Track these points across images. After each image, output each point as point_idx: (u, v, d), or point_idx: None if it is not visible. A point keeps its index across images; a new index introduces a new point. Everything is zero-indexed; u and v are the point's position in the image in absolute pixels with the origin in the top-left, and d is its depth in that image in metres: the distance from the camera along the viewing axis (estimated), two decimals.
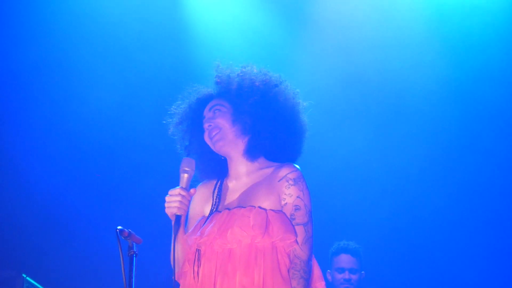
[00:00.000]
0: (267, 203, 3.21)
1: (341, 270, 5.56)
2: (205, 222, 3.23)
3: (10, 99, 6.29)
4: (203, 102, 3.47)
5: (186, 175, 3.20)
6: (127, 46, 6.47)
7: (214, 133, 3.32)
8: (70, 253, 6.31)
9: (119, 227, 2.99)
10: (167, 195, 3.15)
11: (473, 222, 6.81)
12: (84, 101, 6.42)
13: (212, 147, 3.37)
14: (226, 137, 3.31)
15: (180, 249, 3.27)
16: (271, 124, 3.31)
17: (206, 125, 3.36)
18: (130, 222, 5.94)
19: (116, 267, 3.08)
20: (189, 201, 3.21)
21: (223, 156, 3.41)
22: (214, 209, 3.22)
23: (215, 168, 3.42)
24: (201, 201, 3.39)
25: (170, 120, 3.52)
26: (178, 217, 3.14)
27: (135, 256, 2.99)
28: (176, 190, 3.15)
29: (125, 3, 6.46)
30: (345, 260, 5.57)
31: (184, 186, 3.18)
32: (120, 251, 2.92)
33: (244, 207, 3.20)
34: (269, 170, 3.31)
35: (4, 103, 6.28)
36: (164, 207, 3.24)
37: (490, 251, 6.74)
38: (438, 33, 6.68)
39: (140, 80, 6.54)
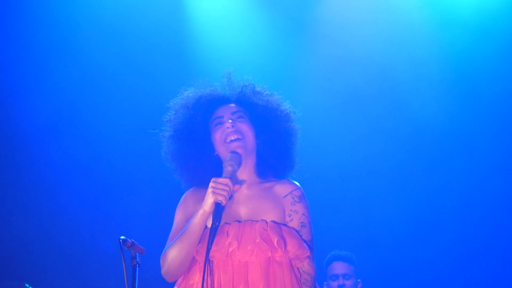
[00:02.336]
0: (273, 217, 3.26)
1: (335, 277, 5.55)
2: (212, 233, 3.11)
3: (8, 100, 6.29)
4: (219, 100, 3.47)
5: (230, 168, 3.19)
6: (129, 47, 6.50)
7: (236, 136, 3.32)
8: (72, 262, 6.30)
9: (122, 237, 2.99)
10: (213, 182, 3.11)
11: (474, 224, 6.82)
12: (85, 101, 6.45)
13: (223, 147, 3.33)
14: (246, 145, 3.32)
15: (193, 245, 3.18)
16: (286, 149, 3.41)
17: (228, 125, 3.33)
18: (133, 229, 6.15)
19: (118, 277, 3.05)
20: (232, 195, 3.19)
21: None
22: (214, 229, 3.10)
23: (207, 172, 3.37)
24: (195, 206, 3.31)
25: (176, 104, 3.49)
26: (219, 205, 3.09)
27: (138, 266, 2.99)
28: (225, 180, 3.12)
29: (126, 4, 6.48)
30: (338, 267, 5.56)
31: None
32: (123, 261, 2.90)
33: (256, 221, 3.23)
34: (269, 185, 3.37)
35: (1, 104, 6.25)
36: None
37: (491, 254, 6.76)
38: (440, 42, 6.74)
39: (141, 81, 6.56)
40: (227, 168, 3.20)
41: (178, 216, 3.34)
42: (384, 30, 6.64)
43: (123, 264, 2.91)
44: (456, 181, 6.84)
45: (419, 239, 6.87)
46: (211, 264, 3.13)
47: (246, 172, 3.37)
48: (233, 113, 3.40)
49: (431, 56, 6.70)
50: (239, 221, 3.23)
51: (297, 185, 3.37)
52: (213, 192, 3.09)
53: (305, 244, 3.23)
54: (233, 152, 3.27)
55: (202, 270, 3.09)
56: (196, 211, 3.18)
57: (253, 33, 6.64)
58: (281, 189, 3.35)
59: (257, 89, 3.49)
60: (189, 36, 6.66)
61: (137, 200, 6.52)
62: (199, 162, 3.38)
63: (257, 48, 6.65)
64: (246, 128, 3.36)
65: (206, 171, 3.37)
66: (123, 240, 2.98)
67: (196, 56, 6.58)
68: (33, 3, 6.33)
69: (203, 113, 3.43)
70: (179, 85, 3.53)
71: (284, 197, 3.33)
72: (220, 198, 3.09)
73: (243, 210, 3.29)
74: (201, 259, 3.15)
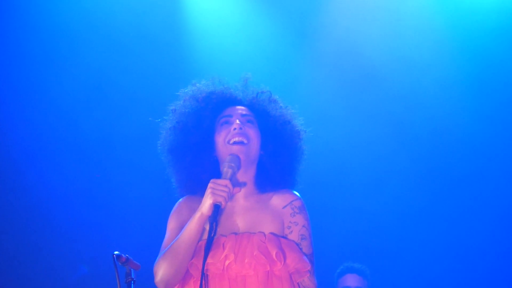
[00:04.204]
0: (271, 229, 3.17)
1: None
2: (208, 245, 3.02)
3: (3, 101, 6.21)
4: (231, 99, 3.37)
5: (230, 171, 3.08)
6: (126, 48, 6.42)
7: (241, 139, 3.20)
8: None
9: (116, 253, 2.87)
10: (212, 183, 3.01)
11: (484, 235, 6.78)
12: (78, 103, 6.38)
13: (225, 148, 3.22)
14: (249, 152, 3.20)
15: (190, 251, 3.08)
16: (290, 166, 3.31)
17: (235, 125, 3.21)
18: (128, 239, 6.10)
19: None
20: (231, 198, 3.10)
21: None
22: (213, 233, 3.02)
23: (202, 171, 3.25)
24: (189, 214, 3.17)
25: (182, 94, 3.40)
26: (218, 207, 2.99)
27: (133, 284, 2.88)
28: (225, 181, 3.02)
29: (123, 5, 6.41)
30: (350, 279, 5.46)
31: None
32: (117, 278, 2.80)
33: (254, 233, 3.13)
34: (267, 196, 3.27)
35: None
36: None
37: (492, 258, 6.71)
38: (454, 43, 6.66)
39: (138, 85, 6.50)
40: (226, 170, 3.09)
41: (171, 224, 3.22)
42: (393, 31, 6.60)
43: (117, 281, 2.80)
44: (468, 185, 6.79)
45: (429, 251, 6.85)
46: (206, 278, 3.03)
47: (244, 181, 3.25)
48: (242, 115, 3.29)
49: (444, 58, 6.65)
50: (236, 234, 3.13)
51: (297, 195, 3.27)
52: (212, 193, 2.98)
53: (305, 258, 3.13)
54: (234, 154, 3.15)
55: (198, 285, 2.98)
56: (191, 216, 3.07)
57: (255, 35, 6.59)
58: (280, 199, 3.25)
59: (273, 98, 3.39)
60: (188, 38, 6.62)
61: (132, 208, 6.45)
62: (197, 159, 3.25)
63: (259, 50, 6.59)
64: (253, 134, 3.24)
65: (202, 170, 3.24)
66: (117, 255, 2.87)
67: (195, 60, 6.53)
68: (24, 4, 6.26)
69: (212, 108, 3.31)
70: (177, 89, 3.44)
71: (283, 208, 3.23)
72: (220, 200, 2.98)
73: (240, 221, 3.18)
74: (196, 273, 3.04)
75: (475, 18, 6.56)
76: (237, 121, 3.24)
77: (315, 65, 6.73)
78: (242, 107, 3.35)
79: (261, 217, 3.19)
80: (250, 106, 3.37)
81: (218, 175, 3.18)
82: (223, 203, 2.98)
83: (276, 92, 3.43)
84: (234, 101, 3.38)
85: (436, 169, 6.79)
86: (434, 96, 6.72)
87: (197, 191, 3.22)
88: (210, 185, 3.01)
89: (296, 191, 3.31)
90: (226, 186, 3.01)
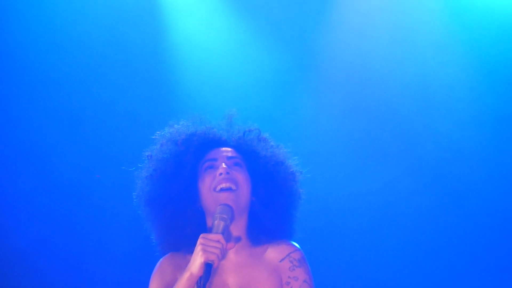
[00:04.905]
0: (268, 287, 2.97)
1: None
2: None
3: None
4: (215, 140, 3.14)
5: (223, 223, 2.83)
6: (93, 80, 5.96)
7: (229, 185, 2.95)
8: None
9: None
10: (202, 238, 2.76)
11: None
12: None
13: (211, 196, 2.96)
14: (239, 200, 2.95)
15: None
16: (286, 213, 3.07)
17: (221, 170, 2.96)
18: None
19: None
20: (224, 255, 2.86)
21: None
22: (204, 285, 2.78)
23: (186, 225, 3.00)
24: (174, 274, 2.96)
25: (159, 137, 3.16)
26: (210, 266, 2.74)
27: None
28: (217, 236, 2.76)
29: (100, 13, 5.97)
30: None
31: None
32: None
33: None
34: (262, 248, 3.04)
35: None
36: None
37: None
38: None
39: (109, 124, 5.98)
40: (218, 222, 2.84)
41: (154, 287, 2.99)
42: (410, 49, 6.17)
43: None
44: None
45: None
46: None
47: (235, 233, 3.00)
48: (228, 158, 3.05)
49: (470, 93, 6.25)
50: None
51: (296, 246, 3.04)
52: (204, 250, 2.72)
53: None
54: (225, 204, 2.90)
55: None
56: (178, 277, 2.81)
57: (244, 58, 6.13)
58: (276, 252, 3.02)
59: (262, 136, 3.17)
60: (168, 67, 6.13)
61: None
62: (179, 211, 3.00)
63: (249, 77, 6.10)
64: (242, 179, 2.99)
65: (186, 223, 3.00)
66: None
67: (176, 94, 6.04)
68: None
69: (194, 151, 3.07)
70: (153, 131, 3.18)
71: (280, 261, 3.00)
72: (212, 258, 2.72)
73: (231, 280, 2.96)
74: None
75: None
76: (223, 165, 2.99)
77: (315, 93, 6.25)
78: (228, 149, 3.11)
79: (255, 274, 2.98)
80: (237, 147, 3.14)
81: (203, 228, 2.96)
82: (216, 261, 2.73)
83: (269, 127, 3.23)
84: (219, 143, 3.14)
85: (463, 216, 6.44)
86: (455, 134, 6.31)
87: (181, 247, 2.99)
88: (200, 240, 2.75)
89: (294, 241, 3.08)
90: (218, 241, 2.75)
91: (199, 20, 6.06)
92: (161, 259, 3.04)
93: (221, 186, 2.93)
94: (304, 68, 6.19)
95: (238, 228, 2.98)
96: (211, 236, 2.75)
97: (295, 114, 6.04)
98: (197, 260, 2.71)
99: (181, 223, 3.00)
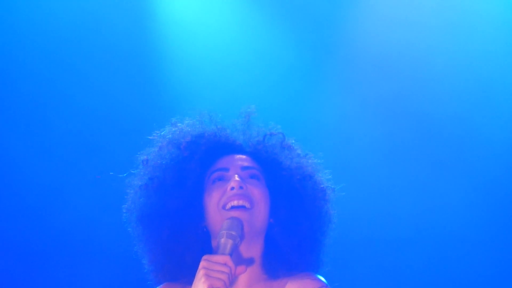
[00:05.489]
0: None
1: None
2: None
3: None
4: (227, 145, 2.75)
5: (231, 242, 2.46)
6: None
7: (242, 203, 2.57)
8: None
9: None
10: (205, 261, 2.39)
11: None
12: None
13: (219, 215, 2.57)
14: (255, 220, 2.57)
15: None
16: (312, 241, 2.65)
17: (234, 183, 2.56)
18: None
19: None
20: (233, 281, 2.51)
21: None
22: None
23: (187, 250, 2.62)
24: None
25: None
26: None
27: None
28: (223, 258, 2.39)
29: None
30: None
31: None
32: None
33: None
34: (280, 282, 2.62)
35: None
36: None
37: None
38: None
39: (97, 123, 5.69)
40: (226, 240, 2.44)
41: None
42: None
43: None
44: None
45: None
46: None
47: (247, 263, 2.61)
48: (243, 168, 2.65)
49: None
50: None
51: (322, 281, 2.63)
52: (206, 275, 2.34)
53: None
54: (234, 218, 2.50)
55: None
56: None
57: (259, 51, 5.76)
58: (297, 287, 2.60)
59: (287, 142, 2.75)
60: (166, 53, 5.78)
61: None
62: (179, 232, 2.62)
63: (265, 71, 5.73)
64: (258, 195, 2.58)
65: (186, 247, 2.62)
66: None
67: (176, 86, 5.67)
68: None
69: (200, 158, 2.67)
70: (151, 129, 2.77)
71: None
72: (218, 284, 2.34)
73: None
74: None
75: None
76: (236, 177, 2.57)
77: (346, 90, 5.85)
78: (243, 156, 2.71)
79: None
80: (255, 154, 2.72)
81: (209, 253, 2.51)
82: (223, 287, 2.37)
83: (291, 134, 2.78)
84: (232, 148, 2.73)
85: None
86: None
87: (179, 276, 2.61)
88: (202, 263, 2.37)
89: (320, 274, 2.67)
90: (225, 264, 2.37)
91: (200, 5, 5.72)
92: None
93: (232, 204, 2.54)
94: (330, 59, 5.78)
95: (252, 255, 2.58)
96: (216, 258, 2.38)
97: (323, 117, 5.66)
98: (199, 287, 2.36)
99: (181, 247, 2.60)
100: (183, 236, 2.60)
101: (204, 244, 2.59)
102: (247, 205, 2.55)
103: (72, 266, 5.65)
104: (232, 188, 2.54)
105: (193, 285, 2.38)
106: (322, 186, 2.70)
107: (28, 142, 5.58)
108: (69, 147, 5.55)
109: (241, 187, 2.54)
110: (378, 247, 5.72)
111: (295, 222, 2.62)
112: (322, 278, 2.62)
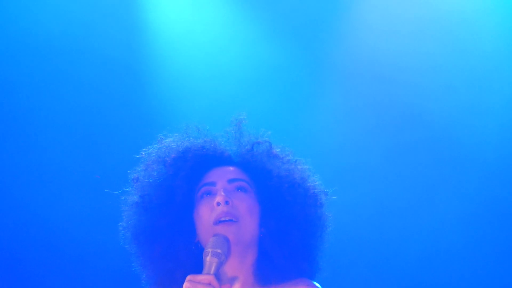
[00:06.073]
0: None
1: None
2: None
3: None
4: (213, 158, 2.68)
5: (216, 260, 2.42)
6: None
7: (228, 218, 2.52)
8: None
9: None
10: (188, 282, 2.36)
11: None
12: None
13: (209, 231, 2.52)
14: (243, 233, 2.52)
15: None
16: (305, 249, 2.58)
17: (219, 198, 2.52)
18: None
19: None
20: None
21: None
22: None
23: (180, 267, 2.57)
24: None
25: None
26: None
27: None
28: (207, 277, 2.36)
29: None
30: None
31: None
32: None
33: None
34: None
35: None
36: None
37: None
38: None
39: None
40: (210, 259, 2.41)
41: None
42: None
43: None
44: None
45: None
46: None
47: (240, 272, 2.56)
48: (230, 181, 2.59)
49: None
50: None
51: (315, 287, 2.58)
52: None
53: None
54: (219, 235, 2.47)
55: None
56: None
57: (247, 54, 5.64)
58: None
59: (275, 150, 2.67)
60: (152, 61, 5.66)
61: None
62: (170, 249, 2.57)
63: (254, 75, 5.61)
64: (244, 208, 2.52)
65: (179, 264, 2.57)
66: None
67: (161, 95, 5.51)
68: None
69: (186, 175, 2.61)
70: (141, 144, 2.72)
71: None
72: None
73: None
74: None
75: None
76: (221, 192, 2.52)
77: (338, 94, 5.73)
78: (231, 168, 2.63)
79: None
80: (243, 164, 2.65)
81: (201, 269, 2.44)
82: None
83: (284, 139, 2.70)
84: (220, 160, 2.65)
85: None
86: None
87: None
88: (186, 284, 2.34)
89: (316, 281, 2.60)
90: (209, 284, 2.33)
91: (192, 10, 5.60)
92: None
93: (220, 219, 2.49)
94: (321, 63, 5.65)
95: (244, 265, 2.54)
96: (200, 277, 2.35)
97: (317, 121, 5.51)
98: None
99: (173, 263, 2.56)
100: (175, 253, 2.57)
101: (196, 260, 2.54)
102: (234, 219, 2.50)
103: (72, 265, 5.58)
104: (218, 204, 2.50)
105: None
106: (313, 191, 2.62)
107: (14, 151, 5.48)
108: (58, 152, 5.45)
109: (226, 202, 2.49)
110: (375, 250, 5.64)
111: (284, 231, 2.56)
112: (318, 285, 2.57)
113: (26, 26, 5.40)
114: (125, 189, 2.65)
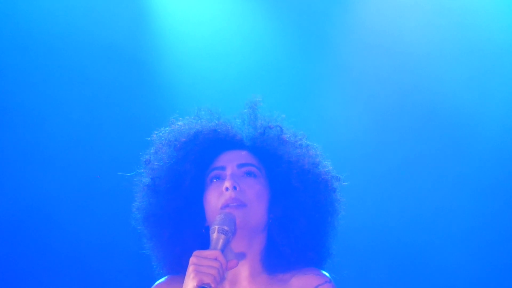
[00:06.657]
0: None
1: None
2: None
3: None
4: (224, 141, 2.66)
5: (223, 237, 2.41)
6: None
7: (236, 203, 2.51)
8: None
9: None
10: (195, 257, 2.35)
11: None
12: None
13: (216, 214, 2.50)
14: (251, 218, 2.51)
15: None
16: (315, 237, 2.56)
17: (227, 183, 2.50)
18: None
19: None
20: (224, 275, 2.43)
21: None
22: None
23: (190, 249, 2.50)
24: None
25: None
26: None
27: None
28: (213, 253, 2.34)
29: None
30: None
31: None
32: None
33: None
34: (284, 277, 2.56)
35: None
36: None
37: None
38: None
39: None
40: (217, 235, 2.40)
41: None
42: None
43: None
44: None
45: None
46: None
47: (247, 259, 2.55)
48: (240, 166, 2.57)
49: None
50: None
51: (326, 277, 2.55)
52: (196, 272, 2.31)
53: None
54: (226, 213, 2.46)
55: None
56: None
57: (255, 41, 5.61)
58: (300, 283, 2.54)
59: (286, 135, 2.64)
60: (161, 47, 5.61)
61: None
62: (179, 232, 2.58)
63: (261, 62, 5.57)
64: (252, 194, 2.51)
65: (187, 245, 2.56)
66: None
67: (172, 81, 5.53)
68: None
69: (195, 159, 2.60)
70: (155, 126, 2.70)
71: None
72: (207, 280, 2.29)
73: None
74: None
75: None
76: (230, 177, 2.52)
77: (344, 88, 5.63)
78: (242, 152, 2.61)
79: None
80: (254, 149, 2.62)
81: None
82: (212, 285, 2.30)
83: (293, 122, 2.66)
84: (231, 143, 2.64)
85: None
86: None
87: (181, 270, 2.53)
88: (192, 259, 2.32)
89: (325, 269, 2.58)
90: (216, 259, 2.32)
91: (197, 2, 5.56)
92: (156, 283, 2.66)
93: (227, 204, 2.49)
94: (329, 54, 5.55)
95: (252, 250, 2.53)
96: (206, 253, 2.33)
97: (322, 113, 5.43)
98: (189, 285, 2.30)
99: (183, 246, 2.56)
100: (184, 236, 2.57)
101: (205, 244, 2.51)
102: (241, 204, 2.49)
103: (72, 266, 5.56)
104: (227, 189, 2.50)
105: (184, 282, 2.35)
106: (323, 177, 2.60)
107: (23, 144, 5.48)
108: (66, 147, 5.46)
109: (234, 188, 2.49)
110: (382, 245, 5.58)
111: (291, 218, 2.55)
112: (327, 274, 2.56)
113: (30, 20, 5.40)
114: (138, 171, 2.63)
